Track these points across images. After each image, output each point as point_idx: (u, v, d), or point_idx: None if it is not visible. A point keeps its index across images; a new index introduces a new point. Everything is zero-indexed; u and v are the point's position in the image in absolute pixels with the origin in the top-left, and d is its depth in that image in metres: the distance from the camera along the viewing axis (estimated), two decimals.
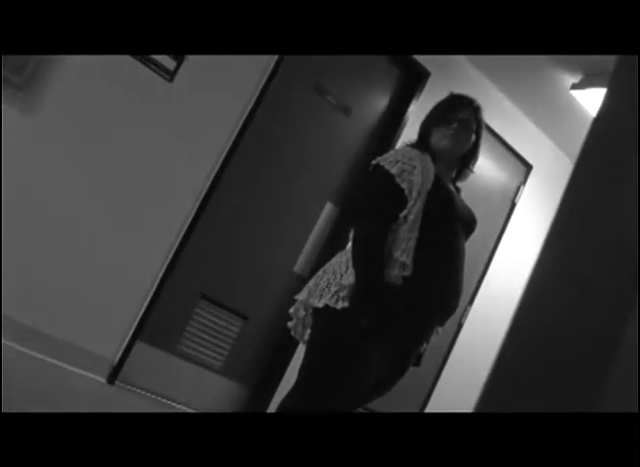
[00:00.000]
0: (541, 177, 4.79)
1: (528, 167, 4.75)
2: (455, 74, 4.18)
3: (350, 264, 1.95)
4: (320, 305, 1.94)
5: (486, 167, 4.45)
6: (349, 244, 2.04)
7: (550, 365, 0.59)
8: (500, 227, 4.65)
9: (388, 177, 1.97)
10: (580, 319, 0.59)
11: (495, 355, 0.63)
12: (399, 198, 1.95)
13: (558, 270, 0.63)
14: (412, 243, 1.93)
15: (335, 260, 2.05)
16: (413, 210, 1.94)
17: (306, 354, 2.01)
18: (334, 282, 1.95)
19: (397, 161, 1.99)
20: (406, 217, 1.95)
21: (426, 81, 4.08)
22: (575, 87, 3.93)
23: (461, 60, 4.23)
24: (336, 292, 1.93)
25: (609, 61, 3.58)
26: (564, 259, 0.62)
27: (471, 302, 4.50)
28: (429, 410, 4.43)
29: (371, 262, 1.92)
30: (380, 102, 4.07)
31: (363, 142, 4.01)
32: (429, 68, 4.07)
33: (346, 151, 3.97)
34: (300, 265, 3.84)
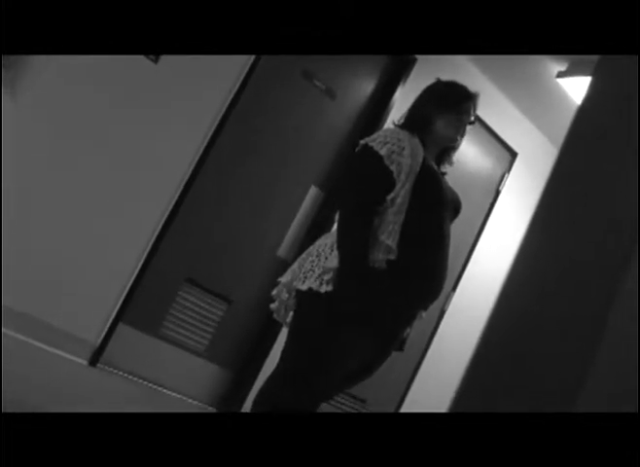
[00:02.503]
0: (526, 165, 4.81)
1: (513, 155, 4.76)
2: (442, 60, 4.17)
3: (335, 246, 1.94)
4: (304, 287, 1.93)
5: (471, 154, 4.46)
6: (334, 227, 2.03)
7: (530, 358, 0.59)
8: (484, 214, 4.66)
9: (377, 158, 1.94)
10: (564, 306, 0.59)
11: (475, 345, 0.63)
12: (387, 181, 1.93)
13: (541, 257, 0.63)
14: (398, 227, 1.92)
15: (319, 242, 2.03)
16: (401, 193, 1.93)
17: (289, 337, 2.00)
18: (317, 265, 1.94)
19: (386, 143, 1.96)
20: (393, 200, 1.93)
21: (412, 67, 4.07)
22: (561, 75, 3.94)
23: None
24: (320, 275, 1.91)
25: None
26: (548, 244, 0.62)
27: (454, 288, 4.53)
28: (410, 397, 4.45)
29: (355, 245, 1.90)
30: (367, 87, 4.06)
31: (348, 126, 4.00)
32: (415, 54, 4.07)
33: (332, 135, 3.96)
34: (284, 249, 3.84)
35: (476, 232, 4.63)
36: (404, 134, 2.01)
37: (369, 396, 4.19)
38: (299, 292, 1.96)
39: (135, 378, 3.50)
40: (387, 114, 4.01)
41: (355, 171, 2.05)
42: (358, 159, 2.04)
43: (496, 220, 4.70)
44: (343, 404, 4.15)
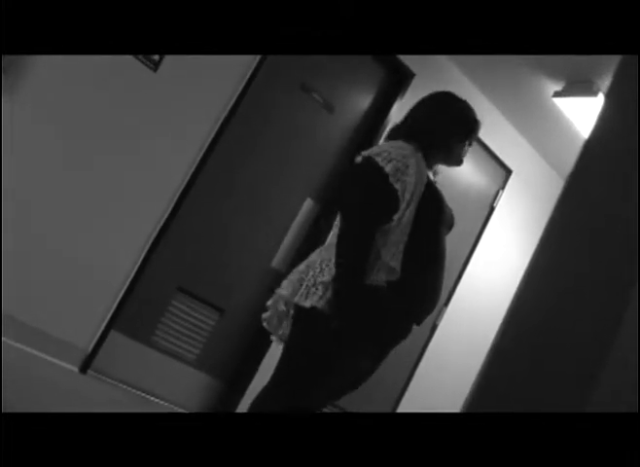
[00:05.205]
0: (520, 182, 4.83)
1: (508, 172, 4.79)
2: (439, 76, 4.20)
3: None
4: (307, 304, 1.87)
5: (466, 171, 4.48)
6: (329, 239, 2.01)
7: (543, 363, 0.60)
8: (478, 230, 4.68)
9: (382, 176, 1.90)
10: (575, 318, 0.59)
11: (487, 353, 0.63)
12: (392, 200, 1.90)
13: (553, 271, 0.63)
14: (402, 247, 1.90)
15: (321, 256, 1.98)
16: (406, 213, 1.90)
17: (286, 352, 1.97)
18: (320, 281, 1.89)
19: (391, 159, 1.92)
20: (399, 219, 1.89)
21: (410, 82, 4.10)
22: (557, 94, 3.97)
23: (446, 63, 4.25)
24: (323, 293, 1.87)
25: (591, 70, 3.62)
26: (560, 259, 0.63)
27: (446, 303, 4.53)
28: (401, 409, 4.44)
29: (355, 263, 1.86)
30: (364, 101, 4.08)
31: (345, 140, 4.02)
32: (413, 69, 4.09)
33: (329, 148, 3.97)
34: (277, 259, 3.84)
35: (469, 247, 4.64)
36: (409, 150, 1.97)
37: (359, 409, 4.18)
38: (302, 309, 1.91)
39: (125, 386, 3.49)
40: (384, 128, 4.02)
41: (361, 187, 1.98)
42: (363, 173, 1.98)
43: (490, 236, 4.72)
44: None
